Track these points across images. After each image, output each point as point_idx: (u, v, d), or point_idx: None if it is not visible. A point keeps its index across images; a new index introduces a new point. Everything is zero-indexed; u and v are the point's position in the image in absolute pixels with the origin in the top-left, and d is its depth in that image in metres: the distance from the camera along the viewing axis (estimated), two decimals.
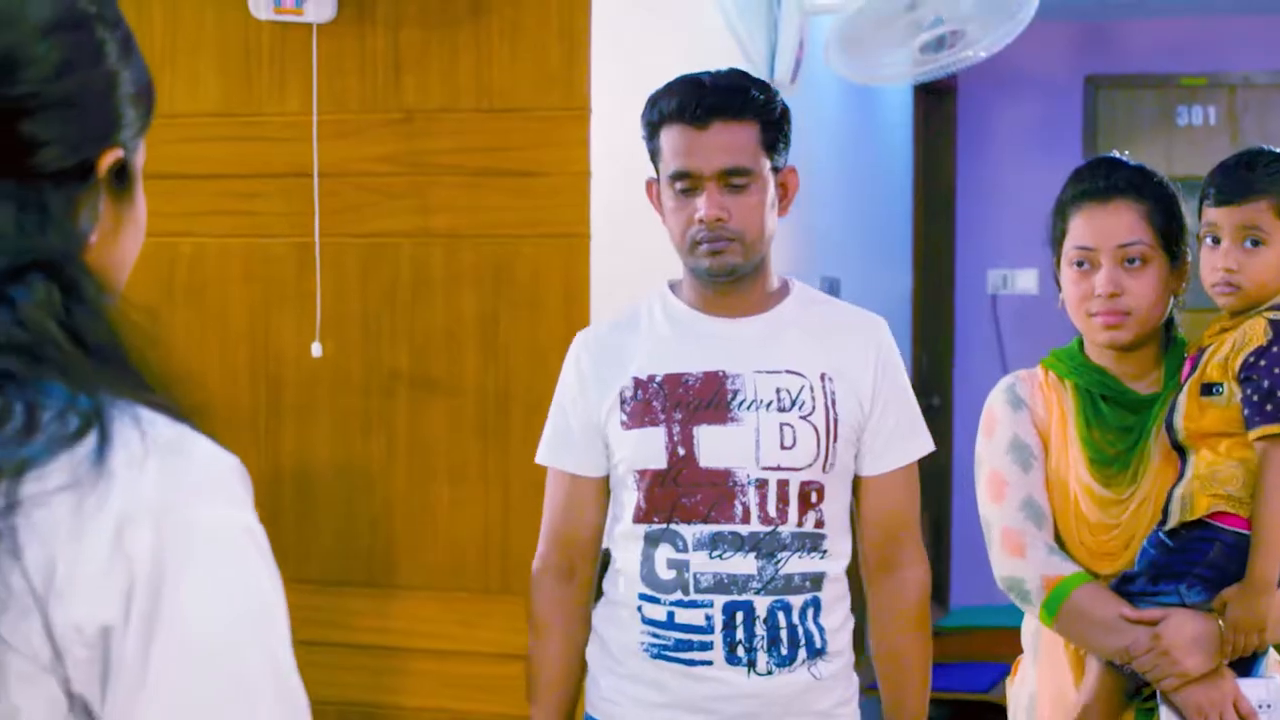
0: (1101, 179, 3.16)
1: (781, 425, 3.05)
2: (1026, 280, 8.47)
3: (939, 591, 8.11)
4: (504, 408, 4.06)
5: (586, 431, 3.16)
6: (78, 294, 1.34)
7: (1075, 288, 3.14)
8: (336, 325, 4.16)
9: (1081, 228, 3.14)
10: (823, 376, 3.09)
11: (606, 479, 3.18)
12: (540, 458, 3.23)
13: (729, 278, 3.09)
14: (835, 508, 3.11)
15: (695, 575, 3.04)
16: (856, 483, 3.17)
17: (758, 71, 4.80)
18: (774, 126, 3.08)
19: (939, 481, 8.04)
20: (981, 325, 8.61)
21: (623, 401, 3.11)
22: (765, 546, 3.04)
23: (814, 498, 3.06)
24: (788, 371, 3.09)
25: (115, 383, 1.33)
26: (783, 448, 3.05)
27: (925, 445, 3.20)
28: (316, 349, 4.12)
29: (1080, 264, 3.13)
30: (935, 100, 8.41)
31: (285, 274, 4.20)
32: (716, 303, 3.15)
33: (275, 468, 4.20)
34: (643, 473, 3.09)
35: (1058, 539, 3.14)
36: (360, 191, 4.14)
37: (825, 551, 3.08)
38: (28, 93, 1.34)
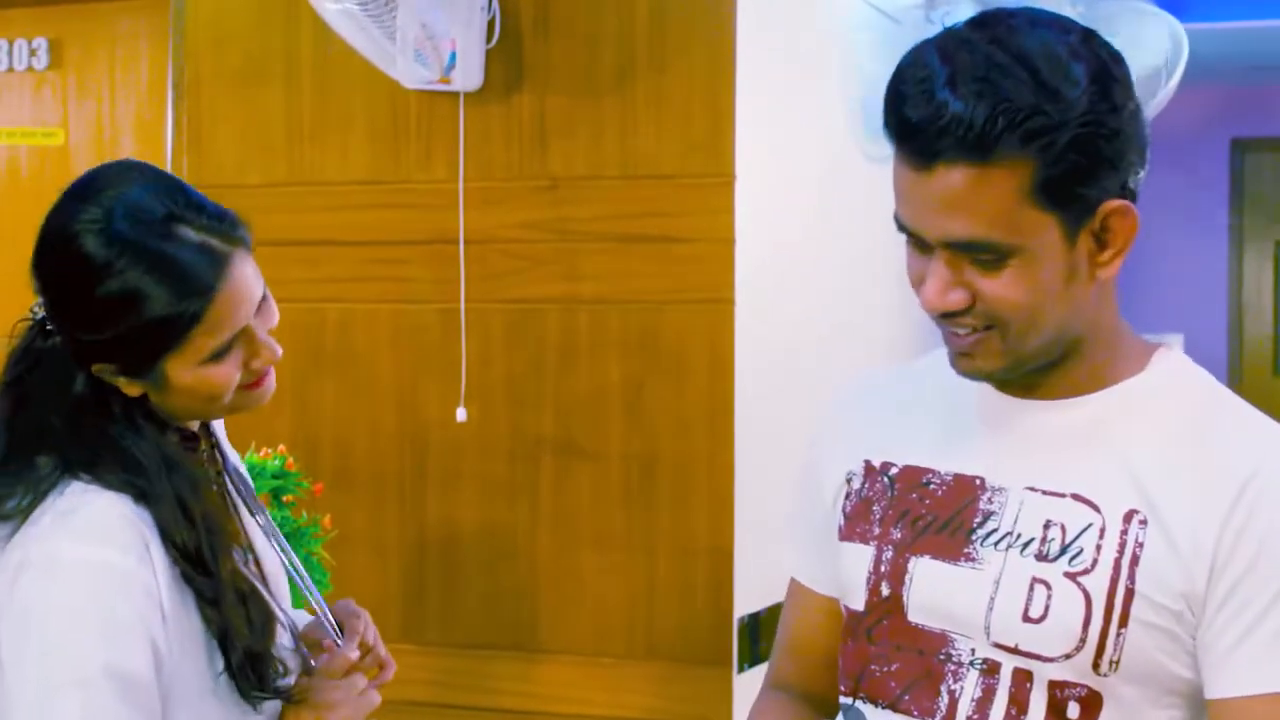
0: None
1: (1033, 582, 1.86)
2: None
3: None
4: (649, 473, 4.05)
5: (823, 524, 2.11)
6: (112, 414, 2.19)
7: None
8: (482, 391, 4.18)
9: None
10: (1129, 516, 1.85)
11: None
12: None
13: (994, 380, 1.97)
14: None
15: None
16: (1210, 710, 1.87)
17: None
18: (1062, 161, 1.81)
19: None
20: None
21: (847, 494, 2.06)
22: None
23: (1074, 711, 1.84)
24: (1073, 496, 1.88)
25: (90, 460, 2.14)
26: (1025, 618, 1.85)
27: None
28: (461, 414, 4.14)
29: None
30: None
31: (431, 340, 4.23)
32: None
33: (420, 532, 4.22)
34: (847, 612, 2.05)
35: None
36: (506, 258, 4.17)
37: None
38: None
